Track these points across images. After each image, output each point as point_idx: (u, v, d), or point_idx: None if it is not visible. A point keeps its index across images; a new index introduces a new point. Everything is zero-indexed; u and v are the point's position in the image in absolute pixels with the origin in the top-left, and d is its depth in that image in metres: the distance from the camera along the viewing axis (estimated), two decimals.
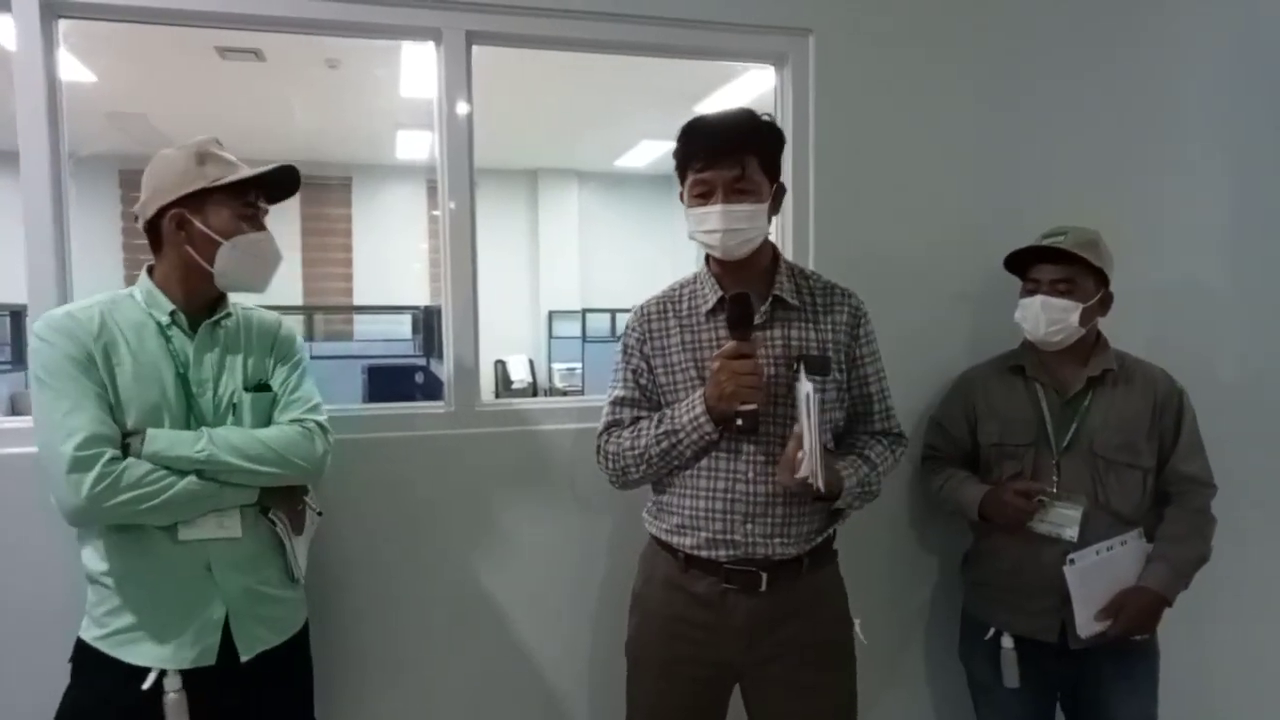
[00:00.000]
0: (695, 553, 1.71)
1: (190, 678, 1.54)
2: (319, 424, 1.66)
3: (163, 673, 1.52)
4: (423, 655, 2.11)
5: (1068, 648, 1.95)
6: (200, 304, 1.64)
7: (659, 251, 8.46)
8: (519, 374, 8.25)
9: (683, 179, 1.70)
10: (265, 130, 6.68)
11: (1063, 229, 1.98)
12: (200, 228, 1.58)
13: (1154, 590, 1.92)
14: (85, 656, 1.57)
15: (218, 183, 1.57)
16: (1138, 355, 2.07)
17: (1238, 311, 2.53)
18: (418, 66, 4.42)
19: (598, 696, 2.18)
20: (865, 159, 2.28)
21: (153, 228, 1.62)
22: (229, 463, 1.52)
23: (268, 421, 1.65)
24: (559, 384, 8.24)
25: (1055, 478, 1.97)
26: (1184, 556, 1.95)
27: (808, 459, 1.53)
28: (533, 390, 8.15)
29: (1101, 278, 1.97)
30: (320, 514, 1.78)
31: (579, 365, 8.01)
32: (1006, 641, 2.01)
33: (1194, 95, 2.50)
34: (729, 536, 1.68)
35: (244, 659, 1.57)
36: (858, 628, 1.82)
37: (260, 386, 1.66)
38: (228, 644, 1.56)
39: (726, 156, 1.62)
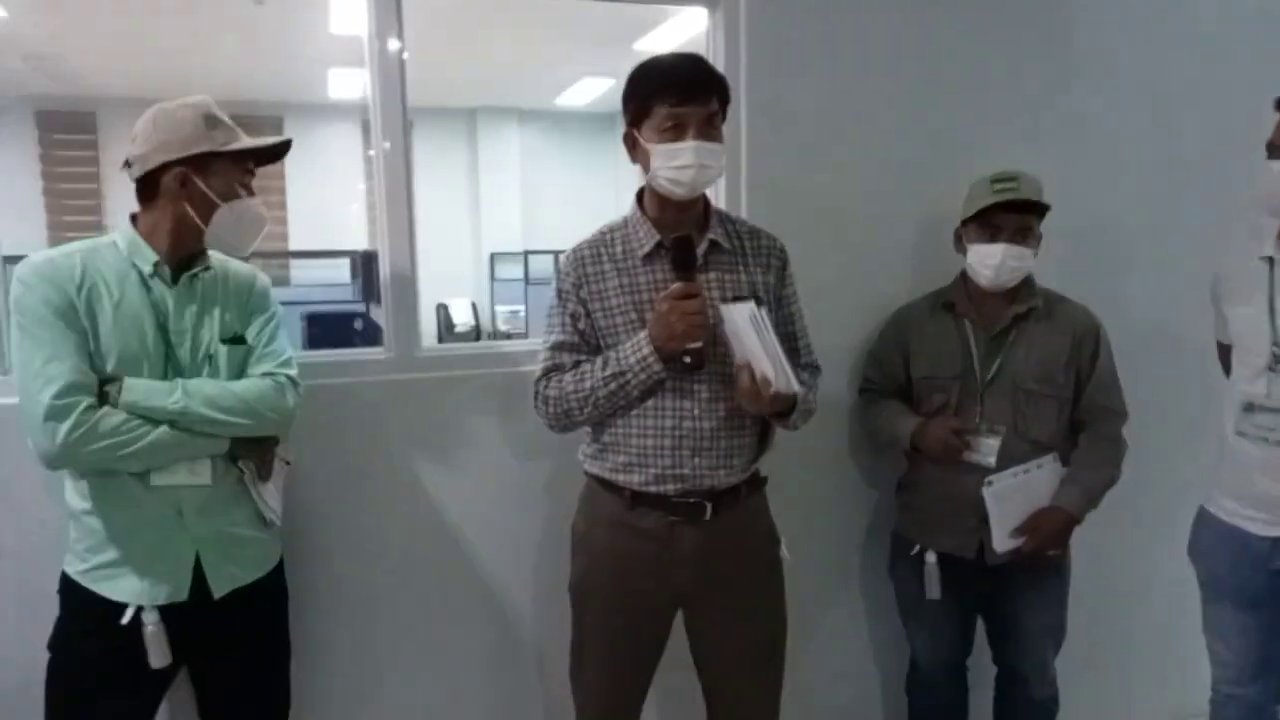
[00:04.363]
0: (644, 489, 1.77)
1: (168, 611, 1.63)
2: (290, 378, 1.72)
3: (140, 607, 1.60)
4: (365, 604, 2.15)
5: (986, 563, 2.09)
6: (183, 256, 1.68)
7: (602, 191, 8.37)
8: (462, 317, 8.20)
9: (644, 115, 1.70)
10: (189, 69, 6.43)
11: (1011, 174, 2.05)
12: (202, 188, 1.63)
13: (1065, 510, 2.05)
14: (69, 588, 1.66)
15: (225, 148, 1.62)
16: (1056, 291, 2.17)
17: (1147, 251, 2.64)
18: (346, 2, 4.29)
19: (545, 629, 2.25)
20: (797, 103, 2.30)
21: (149, 180, 1.64)
22: (202, 414, 1.59)
23: (241, 373, 1.71)
24: (502, 327, 8.24)
25: (979, 408, 2.08)
26: (1095, 479, 2.09)
27: (776, 371, 1.61)
28: (476, 333, 8.12)
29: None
30: (289, 463, 1.83)
31: (522, 308, 8.01)
32: (930, 558, 2.14)
33: (1120, 48, 2.57)
34: (678, 470, 1.75)
35: (217, 596, 1.66)
36: (784, 547, 1.92)
37: (235, 339, 1.71)
38: (202, 581, 1.65)
39: (701, 94, 1.66)
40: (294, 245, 8.25)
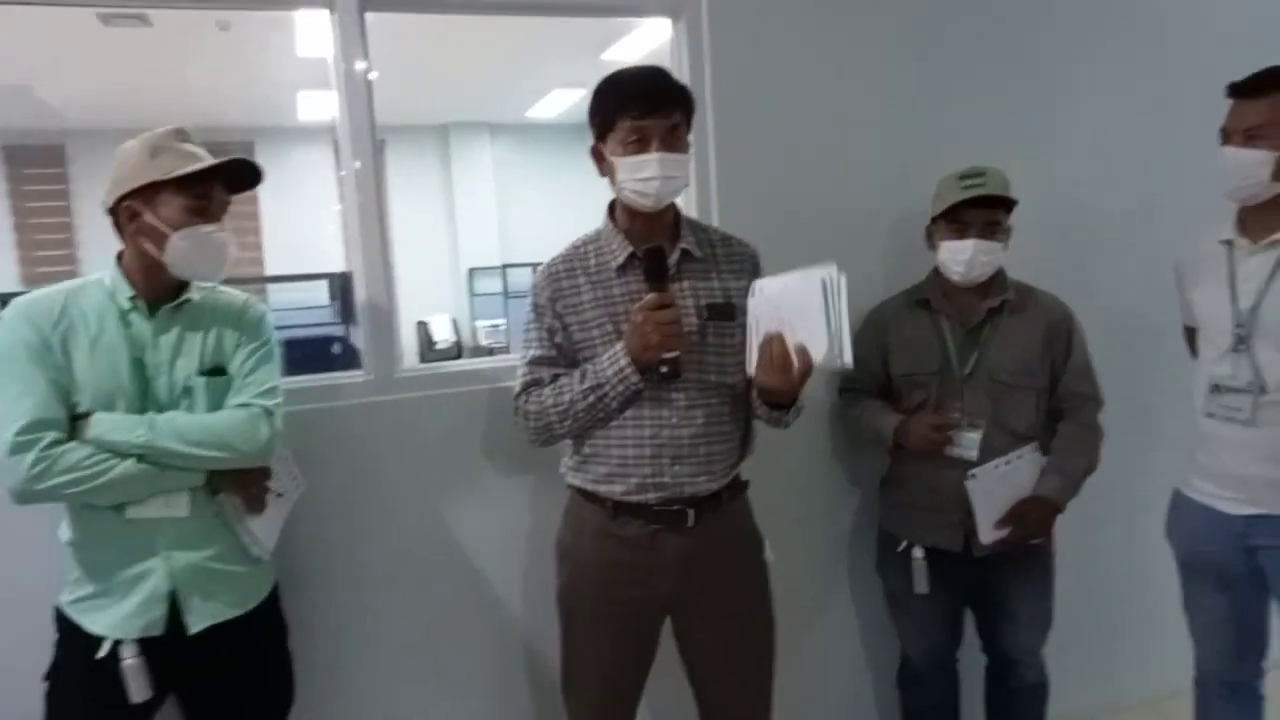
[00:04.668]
0: (625, 499, 1.78)
1: (152, 644, 1.62)
2: (265, 408, 1.68)
3: (119, 640, 1.60)
4: (356, 625, 2.15)
5: (972, 555, 2.11)
6: (162, 289, 1.68)
7: (577, 202, 8.32)
8: (442, 334, 8.18)
9: (609, 129, 1.72)
10: (158, 97, 6.41)
11: (978, 170, 2.08)
12: (150, 220, 1.61)
13: (1048, 498, 2.08)
14: (60, 619, 1.68)
15: (168, 176, 1.60)
16: (1028, 283, 2.20)
17: (1119, 242, 2.68)
18: (312, 26, 4.29)
19: (535, 642, 2.26)
20: (763, 110, 2.32)
21: (113, 217, 1.65)
22: (169, 448, 1.58)
23: (223, 404, 1.69)
24: (484, 341, 8.23)
25: (959, 403, 2.11)
26: (1074, 466, 2.12)
27: (830, 342, 1.58)
28: (457, 349, 8.10)
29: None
30: (280, 495, 1.81)
31: (503, 321, 8.00)
32: (917, 553, 2.16)
33: (1092, 39, 2.62)
34: (659, 479, 1.77)
35: (192, 631, 1.64)
36: (767, 549, 1.93)
37: (215, 370, 1.69)
38: (179, 616, 1.64)
39: (663, 106, 1.69)
40: (270, 270, 8.20)
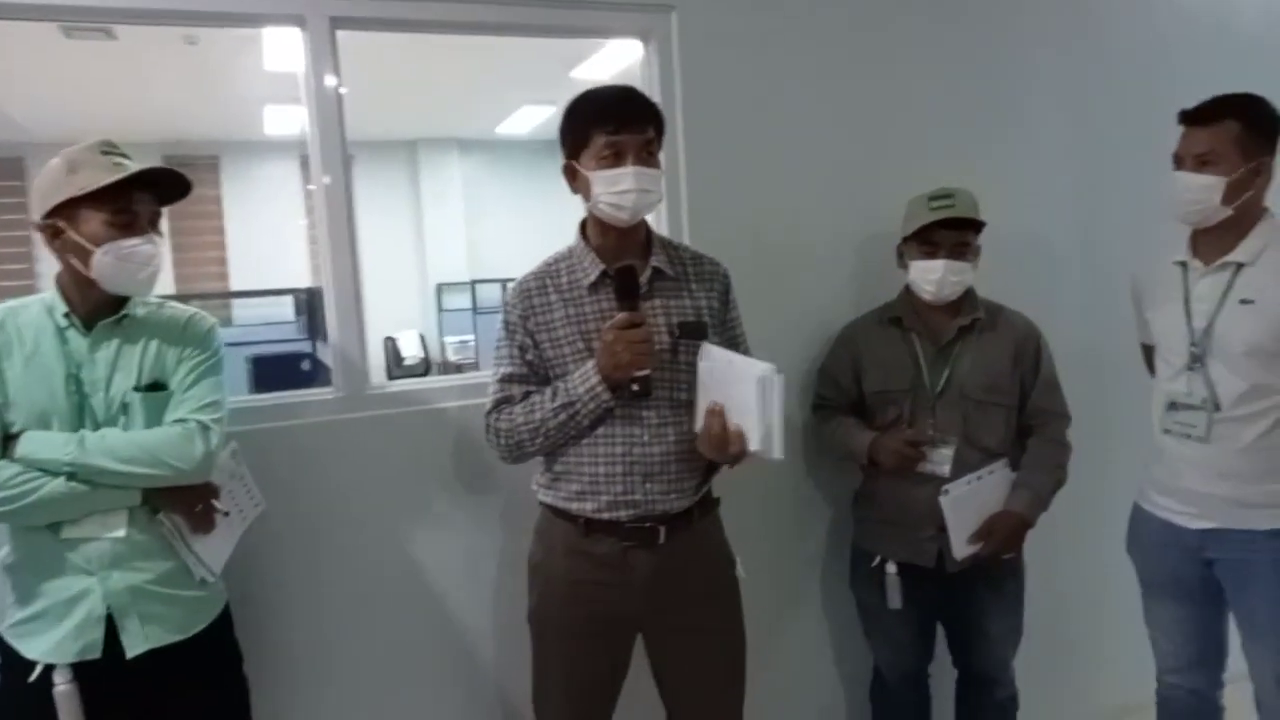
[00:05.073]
0: (597, 516, 1.78)
1: (85, 671, 1.58)
2: (201, 423, 1.64)
3: (52, 666, 1.56)
4: (324, 646, 2.12)
5: (945, 571, 2.13)
6: (99, 305, 1.64)
7: (546, 218, 8.37)
8: (410, 350, 8.14)
9: (582, 145, 1.73)
10: (122, 110, 6.35)
11: (947, 191, 2.11)
12: (73, 237, 1.58)
13: (1018, 513, 2.11)
14: (1, 646, 1.63)
15: (85, 191, 1.55)
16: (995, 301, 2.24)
17: (1076, 262, 2.74)
18: (280, 41, 4.26)
19: (506, 661, 2.24)
20: (733, 130, 2.35)
21: (42, 234, 1.62)
22: (98, 465, 1.54)
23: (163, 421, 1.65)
24: (452, 357, 8.20)
25: (932, 419, 2.13)
26: (1043, 481, 2.16)
27: (765, 436, 1.63)
28: (425, 366, 8.07)
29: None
30: (228, 514, 1.76)
31: (471, 338, 7.97)
32: (890, 568, 2.18)
33: (1043, 64, 2.68)
34: (630, 497, 1.77)
35: (130, 655, 1.59)
36: (739, 566, 1.94)
37: (153, 386, 1.65)
38: (117, 639, 1.59)
39: (637, 121, 1.71)
40: (235, 284, 8.12)
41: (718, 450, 1.71)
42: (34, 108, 6.27)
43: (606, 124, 1.70)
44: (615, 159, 1.70)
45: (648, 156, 1.72)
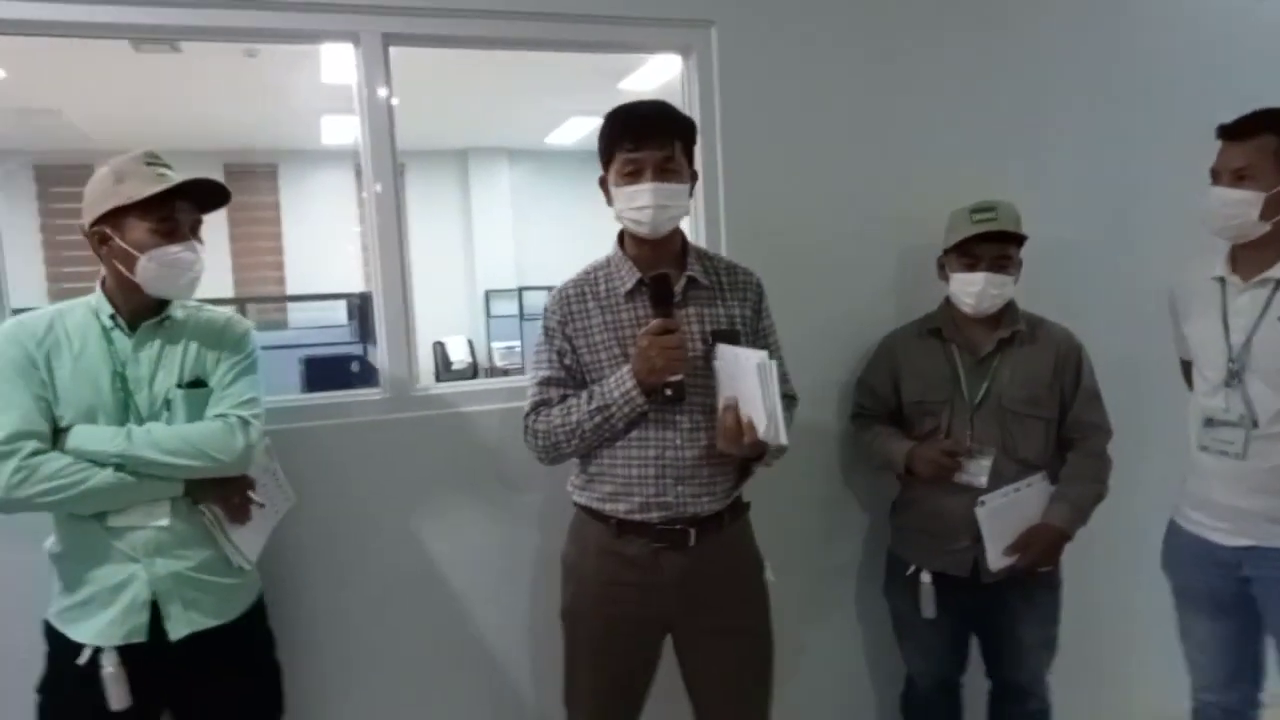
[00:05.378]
0: (629, 517, 1.83)
1: (131, 655, 1.65)
2: (242, 418, 1.72)
3: (100, 649, 1.64)
4: (371, 635, 2.20)
5: (979, 581, 2.14)
6: (142, 307, 1.73)
7: (592, 228, 8.42)
8: (458, 355, 8.27)
9: (609, 161, 1.81)
10: (185, 121, 6.56)
11: (990, 204, 2.12)
12: (119, 243, 1.67)
13: (1056, 526, 2.10)
14: (49, 631, 1.72)
15: (131, 200, 1.64)
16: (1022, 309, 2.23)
17: (1110, 274, 2.73)
18: (337, 54, 4.40)
19: (539, 659, 2.29)
20: (772, 142, 2.39)
21: (89, 241, 1.72)
22: (144, 457, 1.63)
23: (204, 417, 1.73)
24: (499, 363, 8.31)
25: (970, 431, 2.14)
26: (1083, 495, 2.14)
27: (768, 422, 1.66)
28: (473, 370, 8.19)
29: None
30: (264, 506, 1.84)
31: (518, 343, 8.07)
32: (925, 577, 2.18)
33: (1078, 77, 2.68)
34: (662, 499, 1.82)
35: (173, 638, 1.67)
36: (768, 570, 1.97)
37: (195, 383, 1.74)
38: (162, 624, 1.67)
39: (656, 138, 1.76)
40: (291, 289, 8.34)
41: (733, 443, 1.74)
42: (100, 119, 6.51)
43: (626, 141, 1.76)
44: (634, 176, 1.76)
45: (667, 173, 1.76)
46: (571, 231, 8.68)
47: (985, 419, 2.14)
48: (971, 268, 2.12)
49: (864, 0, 2.45)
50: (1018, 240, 2.12)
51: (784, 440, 1.69)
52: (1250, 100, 1.93)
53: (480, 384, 2.37)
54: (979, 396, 2.15)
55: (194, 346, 1.76)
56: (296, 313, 8.36)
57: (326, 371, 5.36)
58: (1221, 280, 2.00)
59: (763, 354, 1.68)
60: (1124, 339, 2.62)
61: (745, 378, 1.71)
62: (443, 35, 2.15)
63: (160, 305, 1.75)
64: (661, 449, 1.81)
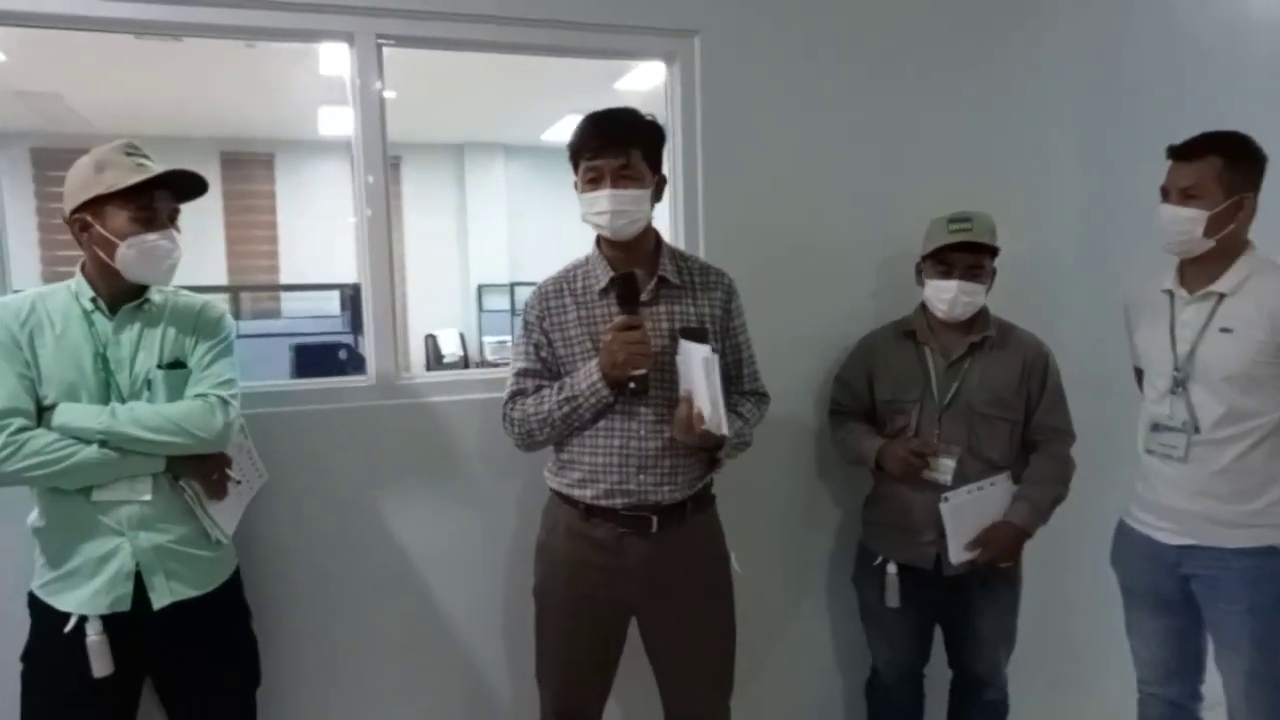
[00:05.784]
0: (595, 502, 1.92)
1: (113, 624, 1.72)
2: (221, 398, 1.80)
3: (84, 618, 1.71)
4: (352, 613, 2.26)
5: (942, 574, 2.22)
6: (122, 291, 1.80)
7: (584, 226, 8.44)
8: (450, 348, 8.30)
9: (576, 167, 1.89)
10: (183, 108, 6.59)
11: (966, 215, 2.19)
12: (99, 230, 1.73)
13: (1016, 524, 2.19)
14: (33, 602, 1.79)
15: (111, 189, 1.70)
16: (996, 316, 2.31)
17: (1083, 285, 2.80)
18: (335, 48, 4.46)
19: (511, 636, 2.35)
20: (752, 150, 2.45)
21: (71, 227, 1.78)
22: (127, 434, 1.70)
23: (182, 396, 1.80)
24: (490, 356, 8.34)
25: (937, 430, 2.22)
26: (1044, 496, 2.23)
27: (712, 412, 1.75)
28: (464, 363, 8.22)
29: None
30: (239, 483, 1.92)
31: (509, 338, 8.11)
32: (891, 568, 2.27)
33: (1059, 91, 2.75)
34: (624, 486, 1.90)
35: (156, 607, 1.75)
36: (734, 561, 2.05)
37: (174, 364, 1.81)
38: (145, 595, 1.75)
39: (613, 146, 1.83)
40: (285, 278, 8.36)
41: (686, 432, 1.83)
42: (100, 104, 6.52)
43: (586, 150, 1.85)
44: (594, 183, 1.85)
45: (624, 179, 1.84)
46: (564, 228, 8.69)
47: (953, 419, 2.22)
48: (946, 275, 2.19)
49: (846, 13, 2.52)
50: (991, 251, 2.19)
51: (725, 430, 1.78)
52: (1217, 121, 2.00)
53: (464, 374, 2.45)
54: (948, 397, 2.22)
55: (172, 330, 1.83)
56: (290, 302, 8.36)
57: (315, 359, 5.45)
58: (1170, 293, 2.09)
59: (707, 348, 1.77)
60: (1091, 347, 2.69)
61: (696, 372, 1.79)
62: (434, 38, 2.21)
63: (139, 290, 1.82)
64: (626, 439, 1.90)
